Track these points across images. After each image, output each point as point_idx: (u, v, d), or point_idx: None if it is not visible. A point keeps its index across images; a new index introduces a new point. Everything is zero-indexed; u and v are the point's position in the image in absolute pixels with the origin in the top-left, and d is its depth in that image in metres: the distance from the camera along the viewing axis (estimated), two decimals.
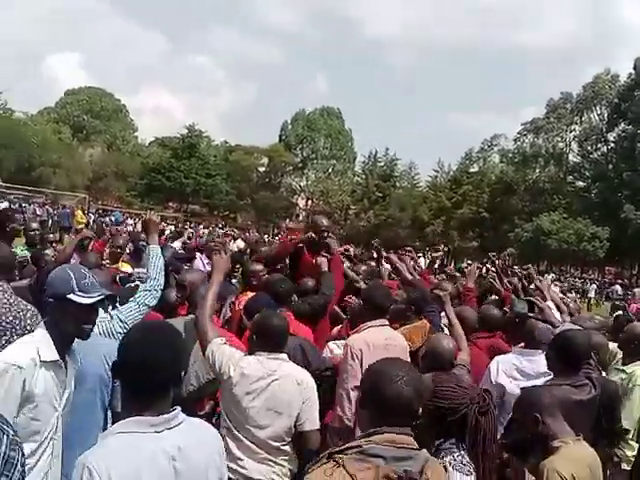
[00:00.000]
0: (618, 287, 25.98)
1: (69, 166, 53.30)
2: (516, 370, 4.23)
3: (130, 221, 33.81)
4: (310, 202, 59.53)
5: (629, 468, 4.27)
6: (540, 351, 4.48)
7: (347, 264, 6.39)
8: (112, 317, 3.77)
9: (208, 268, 6.54)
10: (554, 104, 51.06)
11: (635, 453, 4.23)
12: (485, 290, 7.05)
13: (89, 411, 3.06)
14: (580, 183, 50.95)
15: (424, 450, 2.10)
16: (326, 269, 5.33)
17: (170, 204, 55.88)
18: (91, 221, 27.90)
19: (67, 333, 2.69)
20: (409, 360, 4.03)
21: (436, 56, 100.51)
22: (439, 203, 50.42)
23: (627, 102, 44.92)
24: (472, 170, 53.79)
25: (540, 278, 7.33)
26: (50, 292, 2.71)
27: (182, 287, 4.61)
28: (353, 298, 5.17)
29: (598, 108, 49.92)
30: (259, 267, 5.60)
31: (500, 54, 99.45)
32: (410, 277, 5.92)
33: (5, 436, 1.77)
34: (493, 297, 6.70)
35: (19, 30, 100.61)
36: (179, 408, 2.12)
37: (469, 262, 22.76)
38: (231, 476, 3.03)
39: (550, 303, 5.88)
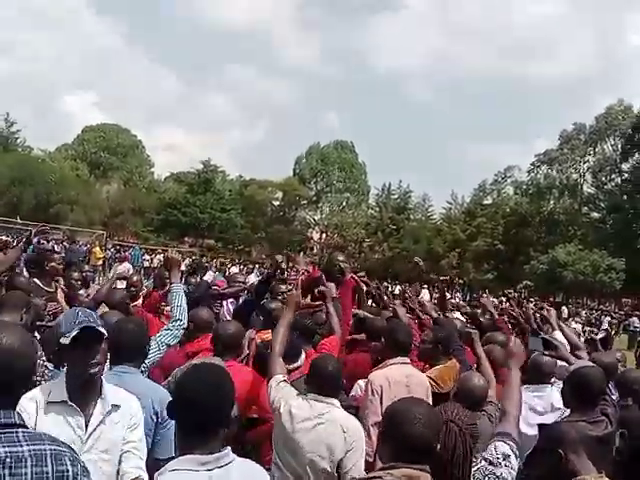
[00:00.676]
0: (636, 319, 25.66)
1: (86, 202, 53.85)
2: (529, 409, 4.25)
3: (147, 257, 34.04)
4: (324, 235, 59.68)
5: None
6: (549, 386, 4.56)
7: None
8: None
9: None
10: (567, 135, 51.18)
11: None
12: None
13: None
14: (595, 214, 50.79)
15: None
16: (333, 294, 5.34)
17: (186, 239, 56.19)
18: (108, 256, 28.14)
19: (75, 376, 2.74)
20: (430, 399, 4.14)
21: (448, 88, 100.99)
22: (453, 235, 50.33)
23: None
24: (486, 202, 53.80)
25: (548, 308, 7.35)
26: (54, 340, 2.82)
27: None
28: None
29: (612, 139, 49.99)
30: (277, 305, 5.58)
31: (512, 85, 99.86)
32: (435, 315, 6.01)
33: (79, 464, 1.97)
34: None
35: (37, 68, 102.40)
36: (229, 448, 2.26)
37: (484, 295, 22.72)
38: None
39: (558, 334, 5.92)
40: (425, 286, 20.63)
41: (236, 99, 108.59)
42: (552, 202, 51.50)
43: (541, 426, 4.09)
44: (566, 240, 44.07)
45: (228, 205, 56.42)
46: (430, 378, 4.53)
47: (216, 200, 55.69)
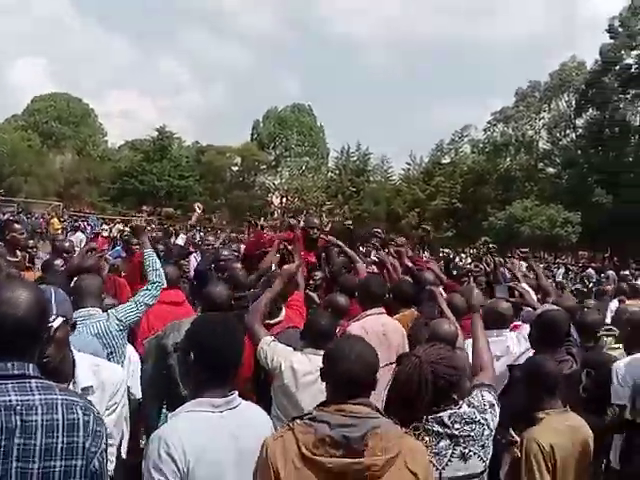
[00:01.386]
0: (592, 271, 26.35)
1: (40, 173, 52.83)
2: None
3: (105, 226, 33.57)
4: (285, 200, 59.55)
5: None
6: (507, 330, 4.74)
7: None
8: (109, 316, 3.93)
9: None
10: (523, 93, 51.54)
11: None
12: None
13: None
14: (551, 170, 51.50)
15: (379, 419, 2.26)
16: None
17: (144, 207, 55.41)
18: (68, 227, 27.71)
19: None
20: (407, 343, 4.27)
21: (403, 51, 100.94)
22: (413, 195, 50.73)
23: (594, 88, 45.52)
24: (444, 161, 54.18)
25: (513, 261, 7.58)
26: None
27: None
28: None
29: (566, 95, 50.50)
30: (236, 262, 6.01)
31: (465, 46, 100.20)
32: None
33: (92, 414, 1.99)
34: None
35: None
36: (236, 392, 2.41)
37: (445, 251, 23.10)
38: None
39: (525, 285, 6.13)
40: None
41: (190, 64, 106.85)
42: (508, 159, 52.06)
43: (511, 366, 4.27)
44: (523, 196, 44.72)
45: (186, 172, 55.79)
46: None
47: (173, 167, 55.05)
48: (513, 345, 4.58)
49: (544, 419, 3.28)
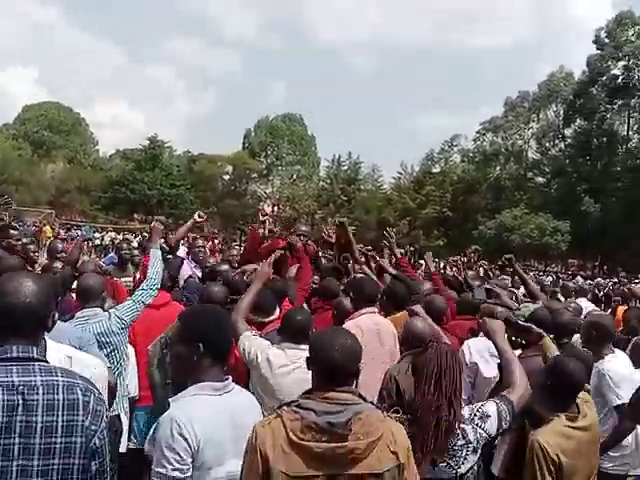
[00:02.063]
0: (580, 278, 26.59)
1: (31, 182, 52.72)
2: (487, 351, 4.51)
3: (97, 234, 33.64)
4: (276, 208, 59.51)
5: None
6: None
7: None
8: (110, 316, 4.09)
9: (196, 272, 6.85)
10: (512, 102, 51.99)
11: None
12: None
13: None
14: (540, 179, 51.85)
15: (361, 405, 2.39)
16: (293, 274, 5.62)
17: (135, 216, 55.48)
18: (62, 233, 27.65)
19: None
20: (397, 343, 4.42)
21: (391, 60, 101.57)
22: (403, 204, 50.85)
23: (582, 98, 46.06)
24: (434, 171, 54.37)
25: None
26: None
27: None
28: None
29: (554, 105, 50.97)
30: (225, 267, 6.00)
31: (456, 55, 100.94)
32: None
33: (92, 395, 2.13)
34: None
35: None
36: (230, 377, 2.61)
37: (435, 260, 23.19)
38: None
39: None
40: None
41: (182, 74, 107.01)
42: (498, 168, 52.38)
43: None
44: (512, 205, 45.01)
45: (177, 181, 55.82)
46: None
47: (164, 176, 55.08)
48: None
49: (552, 421, 3.27)
